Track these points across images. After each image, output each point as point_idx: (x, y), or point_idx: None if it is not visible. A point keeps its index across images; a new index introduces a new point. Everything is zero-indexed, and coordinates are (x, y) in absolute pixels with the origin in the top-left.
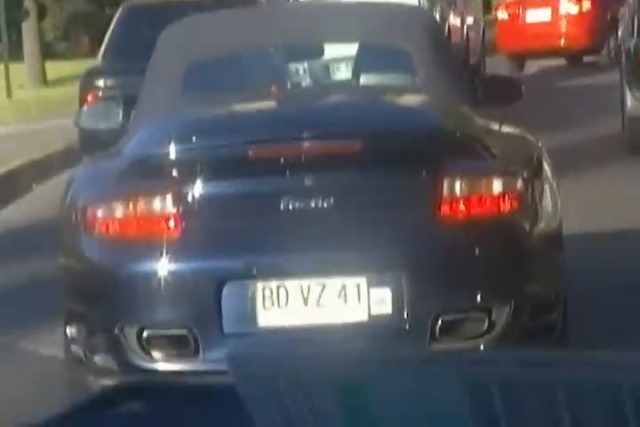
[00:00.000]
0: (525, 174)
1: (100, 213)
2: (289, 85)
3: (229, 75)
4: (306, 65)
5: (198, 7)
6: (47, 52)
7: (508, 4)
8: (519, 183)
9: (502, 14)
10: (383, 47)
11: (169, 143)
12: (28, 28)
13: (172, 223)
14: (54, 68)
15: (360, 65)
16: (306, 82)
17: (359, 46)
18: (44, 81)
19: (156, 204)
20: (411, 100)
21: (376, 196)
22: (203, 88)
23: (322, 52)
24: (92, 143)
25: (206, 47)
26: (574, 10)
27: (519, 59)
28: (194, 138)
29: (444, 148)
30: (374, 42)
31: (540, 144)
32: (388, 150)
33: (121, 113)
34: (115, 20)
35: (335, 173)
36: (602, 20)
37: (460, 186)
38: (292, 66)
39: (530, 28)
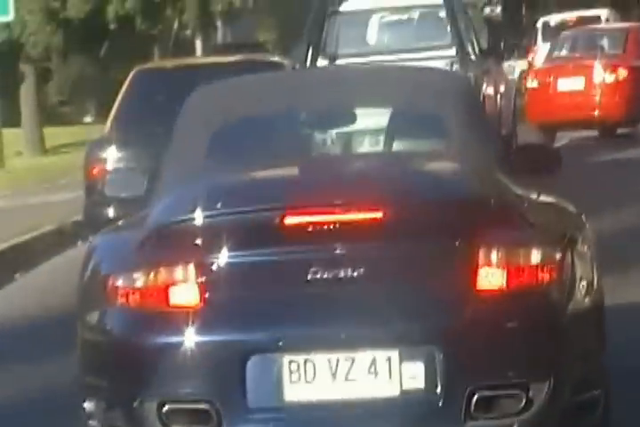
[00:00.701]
0: (564, 245)
1: (120, 283)
2: (317, 152)
3: (255, 141)
4: (335, 131)
5: (215, 71)
6: (51, 117)
7: (537, 71)
8: (558, 254)
9: (532, 83)
10: (417, 112)
11: (192, 211)
12: (27, 92)
13: (194, 294)
14: (55, 135)
15: (393, 130)
16: (335, 148)
17: (392, 111)
18: (43, 148)
19: (178, 273)
20: (445, 167)
21: (408, 266)
22: (228, 155)
23: (352, 117)
24: (99, 218)
25: (232, 113)
26: (610, 78)
27: (550, 130)
28: (217, 206)
29: (479, 217)
30: (407, 107)
31: (581, 214)
32: (421, 219)
33: (145, 182)
34: (125, 85)
35: (365, 243)
36: (639, 89)
37: (497, 256)
38: (321, 132)
39: (561, 97)
